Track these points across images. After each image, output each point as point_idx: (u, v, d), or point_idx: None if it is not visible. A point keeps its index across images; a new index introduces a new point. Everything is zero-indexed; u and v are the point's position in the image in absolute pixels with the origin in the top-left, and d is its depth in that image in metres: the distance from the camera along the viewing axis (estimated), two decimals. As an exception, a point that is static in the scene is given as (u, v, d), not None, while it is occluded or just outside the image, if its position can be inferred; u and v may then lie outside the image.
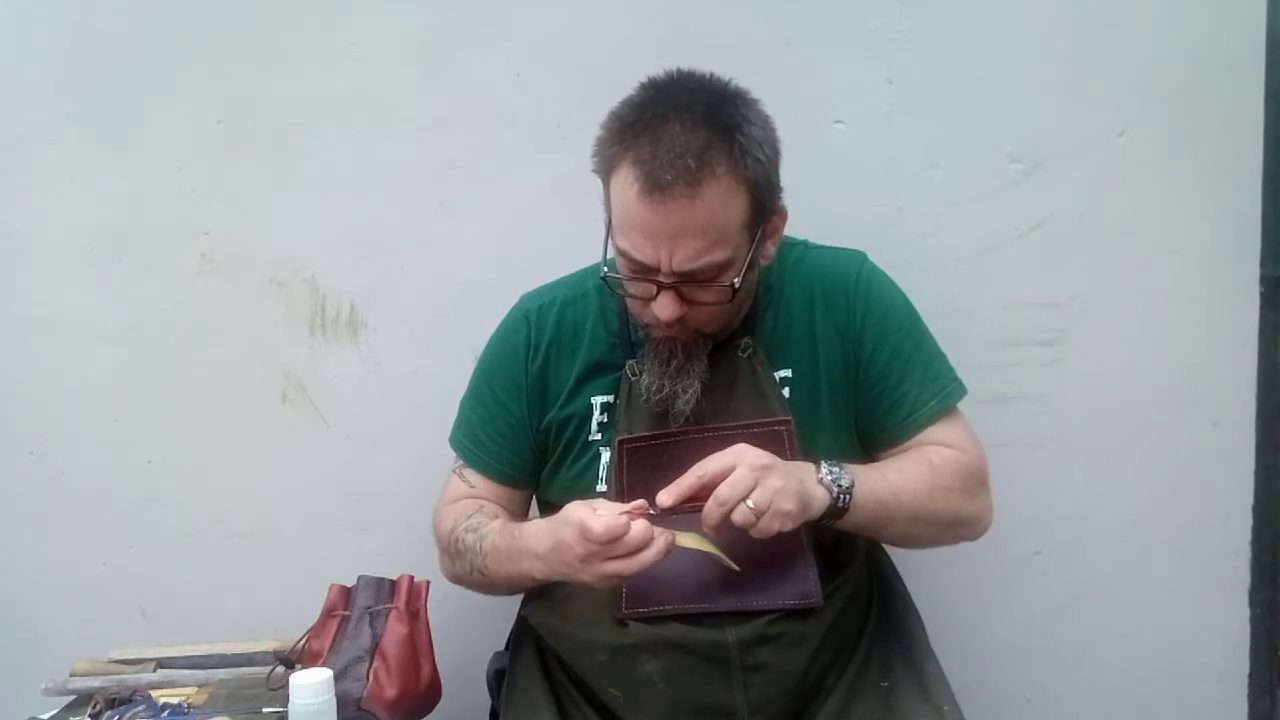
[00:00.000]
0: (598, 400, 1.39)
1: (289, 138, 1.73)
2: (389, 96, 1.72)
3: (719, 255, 1.23)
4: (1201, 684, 1.82)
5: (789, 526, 1.20)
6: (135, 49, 1.71)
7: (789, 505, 1.19)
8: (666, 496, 1.20)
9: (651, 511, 1.20)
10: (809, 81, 1.69)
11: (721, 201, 1.21)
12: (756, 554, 1.27)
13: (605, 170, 1.26)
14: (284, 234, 1.75)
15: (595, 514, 1.18)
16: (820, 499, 1.24)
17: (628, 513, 1.18)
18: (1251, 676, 1.81)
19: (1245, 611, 1.80)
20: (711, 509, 1.18)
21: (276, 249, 1.76)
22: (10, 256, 1.76)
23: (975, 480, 1.37)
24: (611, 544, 1.17)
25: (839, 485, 1.25)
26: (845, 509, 1.25)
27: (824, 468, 1.26)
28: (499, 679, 1.48)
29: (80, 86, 1.72)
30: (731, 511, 1.18)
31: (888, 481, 1.30)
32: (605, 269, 1.31)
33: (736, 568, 1.24)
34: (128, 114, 1.72)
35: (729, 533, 1.21)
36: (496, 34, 1.70)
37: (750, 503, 1.17)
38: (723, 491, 1.18)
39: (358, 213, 1.74)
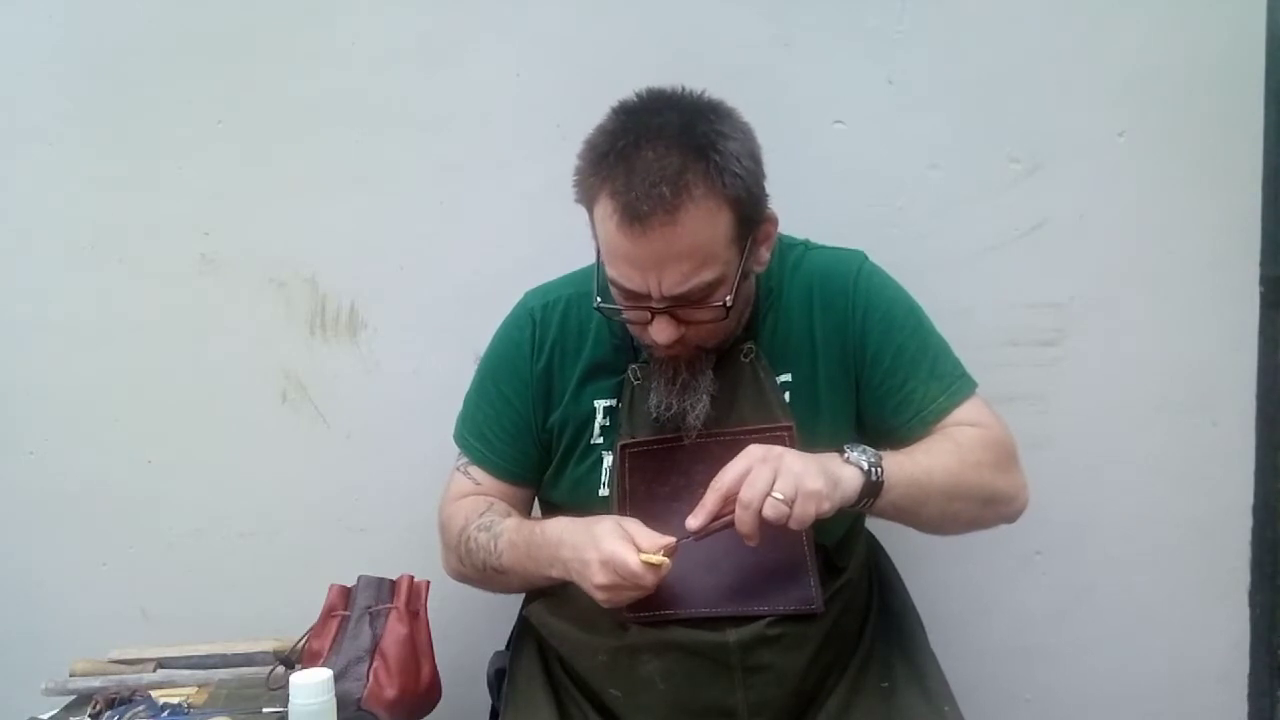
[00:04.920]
0: (600, 404, 1.39)
1: (289, 138, 1.73)
2: (389, 96, 1.71)
3: (708, 275, 1.21)
4: (1201, 684, 1.82)
5: (825, 507, 1.16)
6: (135, 49, 1.71)
7: (816, 484, 1.15)
8: (694, 520, 1.18)
9: (687, 539, 1.19)
10: (809, 81, 1.69)
11: (703, 223, 1.19)
12: (758, 561, 1.26)
13: (587, 201, 1.25)
14: (284, 234, 1.75)
15: (631, 551, 1.17)
16: (850, 477, 1.20)
17: (665, 548, 1.17)
18: (1251, 676, 1.82)
19: (1245, 611, 1.81)
20: (741, 517, 1.15)
21: (276, 249, 1.75)
22: (10, 256, 1.75)
23: (1005, 454, 1.34)
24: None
25: (868, 461, 1.21)
26: (880, 484, 1.21)
27: (847, 450, 1.23)
28: (499, 679, 1.48)
29: (80, 86, 1.72)
30: (761, 510, 1.15)
31: (916, 461, 1.27)
32: (599, 299, 1.29)
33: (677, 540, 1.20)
34: (128, 114, 1.72)
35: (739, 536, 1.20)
36: (496, 34, 1.70)
37: (778, 494, 1.14)
38: (744, 495, 1.15)
39: (358, 213, 1.74)
